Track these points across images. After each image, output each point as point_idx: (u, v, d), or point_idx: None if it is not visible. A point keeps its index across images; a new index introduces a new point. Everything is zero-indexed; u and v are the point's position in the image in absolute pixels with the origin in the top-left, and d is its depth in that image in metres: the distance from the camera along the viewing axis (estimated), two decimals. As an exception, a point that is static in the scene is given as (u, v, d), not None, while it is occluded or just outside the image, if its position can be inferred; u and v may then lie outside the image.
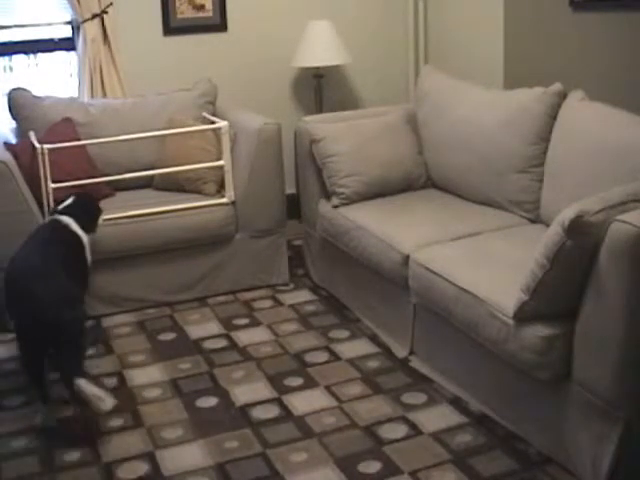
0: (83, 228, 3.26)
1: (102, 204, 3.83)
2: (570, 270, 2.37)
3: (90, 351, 3.43)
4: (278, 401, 2.97)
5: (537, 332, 2.45)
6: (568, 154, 3.13)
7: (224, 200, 3.87)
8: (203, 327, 3.63)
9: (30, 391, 3.11)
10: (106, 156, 3.95)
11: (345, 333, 3.51)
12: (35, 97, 4.01)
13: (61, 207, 3.32)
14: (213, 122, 4.01)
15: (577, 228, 2.29)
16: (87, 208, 3.39)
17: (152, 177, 4.00)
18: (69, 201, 3.35)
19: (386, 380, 3.09)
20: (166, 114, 4.10)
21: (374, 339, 3.43)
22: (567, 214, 2.31)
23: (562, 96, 3.27)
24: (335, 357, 3.29)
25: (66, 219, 3.22)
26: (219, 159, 3.86)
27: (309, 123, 3.89)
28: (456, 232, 3.24)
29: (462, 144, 3.61)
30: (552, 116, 3.26)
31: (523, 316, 2.49)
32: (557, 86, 3.31)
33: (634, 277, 2.20)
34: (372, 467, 2.56)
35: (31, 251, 2.97)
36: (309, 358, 3.29)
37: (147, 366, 3.29)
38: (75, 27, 4.34)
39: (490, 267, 2.87)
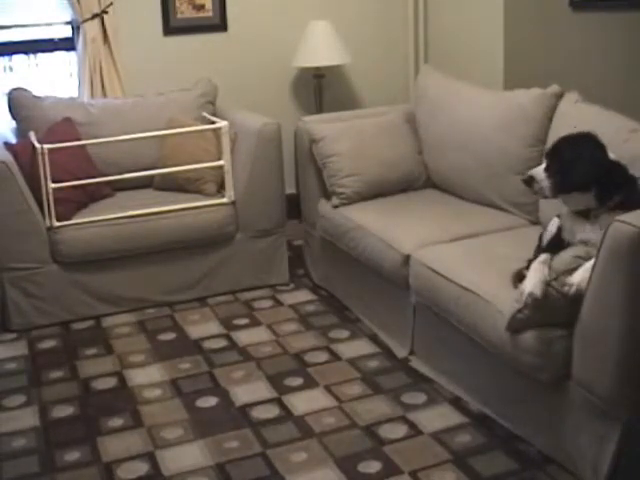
0: None
1: (102, 204, 3.85)
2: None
3: (90, 351, 3.44)
4: (278, 401, 2.97)
5: (537, 333, 2.44)
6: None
7: (224, 200, 3.87)
8: (203, 327, 3.62)
9: (30, 391, 3.11)
10: (106, 156, 3.95)
11: (345, 333, 3.51)
12: (35, 97, 4.01)
13: None
14: (213, 122, 4.01)
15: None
16: None
17: (152, 177, 4.00)
18: None
19: (386, 380, 3.08)
20: (166, 114, 4.10)
21: (374, 339, 3.43)
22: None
23: (560, 97, 3.26)
24: (335, 357, 3.29)
25: None
26: (219, 159, 3.86)
27: (309, 123, 3.89)
28: (456, 233, 3.23)
29: (461, 145, 3.60)
30: (550, 118, 3.25)
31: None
32: (554, 87, 3.29)
33: (634, 277, 2.20)
34: (372, 467, 2.56)
35: None
36: (309, 358, 3.29)
37: (147, 366, 3.29)
38: (75, 27, 4.34)
39: (491, 268, 2.86)
